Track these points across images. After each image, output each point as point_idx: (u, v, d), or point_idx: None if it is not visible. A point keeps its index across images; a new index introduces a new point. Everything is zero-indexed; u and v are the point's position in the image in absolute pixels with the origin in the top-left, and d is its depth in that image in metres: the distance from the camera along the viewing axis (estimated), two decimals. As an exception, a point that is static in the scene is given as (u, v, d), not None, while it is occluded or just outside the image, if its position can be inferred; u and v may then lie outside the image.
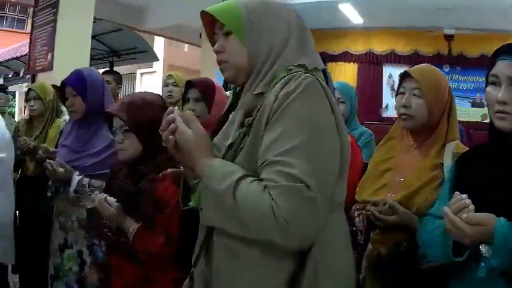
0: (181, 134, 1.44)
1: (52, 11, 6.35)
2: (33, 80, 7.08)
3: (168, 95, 4.04)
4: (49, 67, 6.16)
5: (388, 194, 2.16)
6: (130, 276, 2.17)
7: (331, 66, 11.19)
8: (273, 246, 1.34)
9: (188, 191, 1.59)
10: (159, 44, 16.15)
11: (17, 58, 12.05)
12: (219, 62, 1.56)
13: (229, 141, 1.47)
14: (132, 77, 18.69)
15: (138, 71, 18.52)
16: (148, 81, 18.26)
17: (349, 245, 1.53)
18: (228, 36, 1.52)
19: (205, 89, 2.85)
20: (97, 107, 2.90)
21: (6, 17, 23.42)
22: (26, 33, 22.12)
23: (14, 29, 22.02)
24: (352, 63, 11.42)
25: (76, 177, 2.79)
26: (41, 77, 6.26)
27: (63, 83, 2.98)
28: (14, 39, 20.93)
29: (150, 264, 2.11)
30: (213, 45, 1.61)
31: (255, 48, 1.49)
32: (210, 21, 1.60)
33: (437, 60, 10.65)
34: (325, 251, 1.38)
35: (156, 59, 11.71)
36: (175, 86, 4.11)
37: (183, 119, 1.45)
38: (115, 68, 9.48)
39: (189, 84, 2.90)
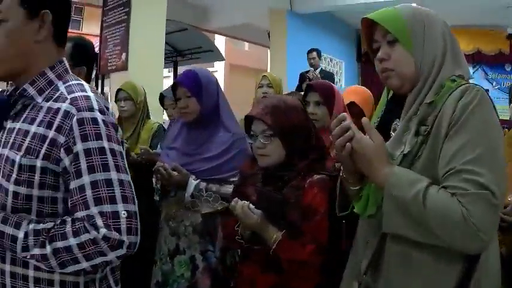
0: (359, 142, 1.45)
1: (124, 10, 6.36)
2: (101, 80, 7.13)
3: (263, 96, 3.94)
4: (124, 67, 6.17)
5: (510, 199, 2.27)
6: (264, 285, 2.12)
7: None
8: (444, 251, 1.40)
9: (346, 198, 1.65)
10: (219, 43, 16.17)
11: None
12: (383, 70, 1.61)
13: (407, 150, 1.49)
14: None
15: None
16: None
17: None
18: (393, 45, 1.56)
19: (326, 93, 2.79)
20: (212, 109, 2.82)
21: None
22: (82, 34, 22.53)
23: (69, 30, 22.34)
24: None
25: (193, 181, 2.71)
26: (116, 77, 6.27)
27: (176, 83, 2.90)
28: (69, 40, 21.32)
29: (293, 273, 2.04)
30: (372, 51, 1.67)
31: (421, 58, 1.53)
32: (367, 27, 1.65)
33: (499, 59, 10.52)
34: (488, 254, 1.44)
35: (221, 58, 11.67)
36: (270, 87, 4.00)
37: (365, 127, 1.48)
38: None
39: (309, 88, 2.83)
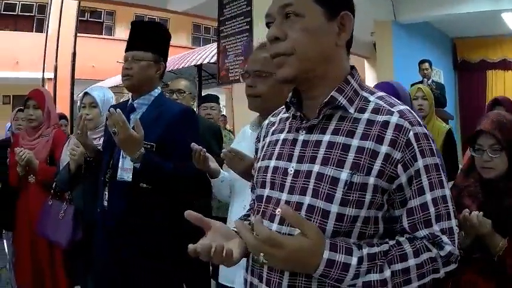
0: None
1: (245, 20, 6.54)
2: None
3: (419, 109, 4.06)
4: None
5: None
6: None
7: (491, 74, 11.06)
8: None
9: None
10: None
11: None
12: None
13: None
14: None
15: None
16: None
17: None
18: None
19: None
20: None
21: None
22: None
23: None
24: (511, 71, 11.14)
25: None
26: (239, 87, 6.50)
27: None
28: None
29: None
30: None
31: None
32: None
33: None
34: None
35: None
36: (424, 99, 4.13)
37: None
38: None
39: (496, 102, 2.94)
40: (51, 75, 18.15)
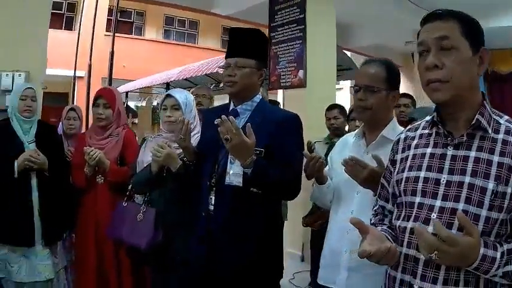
0: None
1: (298, 27, 6.61)
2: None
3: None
4: (301, 84, 6.45)
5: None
6: None
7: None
8: None
9: None
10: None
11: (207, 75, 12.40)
12: None
13: None
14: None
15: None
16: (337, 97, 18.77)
17: None
18: None
19: None
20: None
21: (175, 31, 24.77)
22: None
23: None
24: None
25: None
26: (291, 93, 6.51)
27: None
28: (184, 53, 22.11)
29: None
30: None
31: None
32: None
33: None
34: None
35: (359, 77, 11.83)
36: None
37: None
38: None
39: None
40: (82, 74, 18.34)
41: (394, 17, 9.04)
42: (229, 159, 2.67)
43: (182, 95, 3.35)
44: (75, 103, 17.07)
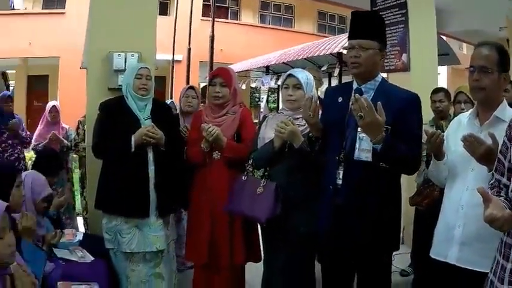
0: None
1: (400, 12, 6.59)
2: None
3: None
4: (404, 68, 6.48)
5: None
6: None
7: None
8: None
9: None
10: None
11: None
12: None
13: None
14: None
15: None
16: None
17: None
18: None
19: None
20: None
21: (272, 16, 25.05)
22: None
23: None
24: None
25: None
26: (394, 77, 6.49)
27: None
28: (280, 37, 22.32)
29: None
30: None
31: None
32: None
33: None
34: None
35: (457, 62, 11.60)
36: None
37: None
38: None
39: None
40: (180, 58, 18.84)
41: (488, 1, 8.79)
42: (357, 135, 2.84)
43: (304, 75, 3.49)
44: (173, 87, 17.62)
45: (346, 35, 4.09)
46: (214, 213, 3.85)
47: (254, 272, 4.10)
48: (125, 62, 4.65)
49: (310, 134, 3.15)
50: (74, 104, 9.77)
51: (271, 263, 3.56)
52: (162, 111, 4.19)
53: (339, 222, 2.96)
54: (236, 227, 3.83)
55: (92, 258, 3.88)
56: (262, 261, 3.85)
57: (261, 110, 19.10)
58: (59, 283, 3.24)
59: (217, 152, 3.87)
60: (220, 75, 4.00)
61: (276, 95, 16.68)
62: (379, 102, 2.67)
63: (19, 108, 10.47)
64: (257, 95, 19.18)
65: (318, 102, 3.13)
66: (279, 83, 3.53)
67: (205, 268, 3.97)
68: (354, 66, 2.96)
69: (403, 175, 3.14)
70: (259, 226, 3.74)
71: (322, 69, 11.96)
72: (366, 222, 2.91)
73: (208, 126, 3.74)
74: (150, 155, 3.96)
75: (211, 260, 3.88)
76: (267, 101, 17.14)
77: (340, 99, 3.07)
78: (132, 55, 4.66)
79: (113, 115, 4.00)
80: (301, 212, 3.26)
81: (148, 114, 4.05)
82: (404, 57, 6.48)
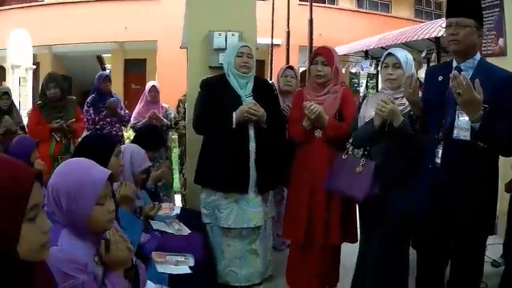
0: None
1: (495, -5, 6.38)
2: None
3: None
4: (501, 52, 6.28)
5: None
6: None
7: None
8: None
9: None
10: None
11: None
12: None
13: None
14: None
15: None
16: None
17: None
18: None
19: None
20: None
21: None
22: (391, 16, 23.07)
23: (377, 12, 23.41)
24: None
25: None
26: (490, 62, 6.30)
27: None
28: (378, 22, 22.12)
29: None
30: None
31: None
32: None
33: None
34: None
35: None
36: None
37: None
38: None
39: None
40: (279, 42, 19.00)
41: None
42: (457, 113, 2.86)
43: (403, 54, 3.45)
44: (273, 70, 17.79)
45: (443, 19, 4.00)
46: (313, 192, 3.88)
47: (349, 252, 4.07)
48: (226, 40, 4.75)
49: (411, 112, 3.15)
50: (172, 87, 10.00)
51: (366, 244, 3.57)
52: (264, 89, 4.26)
53: (437, 202, 2.97)
54: (333, 206, 3.83)
55: (189, 231, 3.95)
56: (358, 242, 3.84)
57: (360, 95, 18.97)
58: (153, 253, 3.33)
59: (319, 130, 3.88)
60: (322, 53, 4.00)
61: (374, 80, 16.49)
62: (477, 80, 2.65)
63: (117, 91, 10.80)
64: (356, 80, 19.01)
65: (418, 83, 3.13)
66: (379, 68, 3.49)
67: (301, 247, 4.01)
68: (453, 42, 2.95)
69: (499, 161, 3.08)
70: (357, 207, 3.74)
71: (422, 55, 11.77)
72: (464, 201, 2.90)
73: (311, 104, 3.75)
74: (251, 132, 4.05)
75: (306, 239, 3.91)
76: (366, 87, 16.95)
77: (440, 78, 3.07)
78: (233, 34, 4.76)
79: (214, 92, 4.11)
80: (399, 192, 3.24)
81: (250, 91, 4.14)
82: (501, 41, 6.30)
